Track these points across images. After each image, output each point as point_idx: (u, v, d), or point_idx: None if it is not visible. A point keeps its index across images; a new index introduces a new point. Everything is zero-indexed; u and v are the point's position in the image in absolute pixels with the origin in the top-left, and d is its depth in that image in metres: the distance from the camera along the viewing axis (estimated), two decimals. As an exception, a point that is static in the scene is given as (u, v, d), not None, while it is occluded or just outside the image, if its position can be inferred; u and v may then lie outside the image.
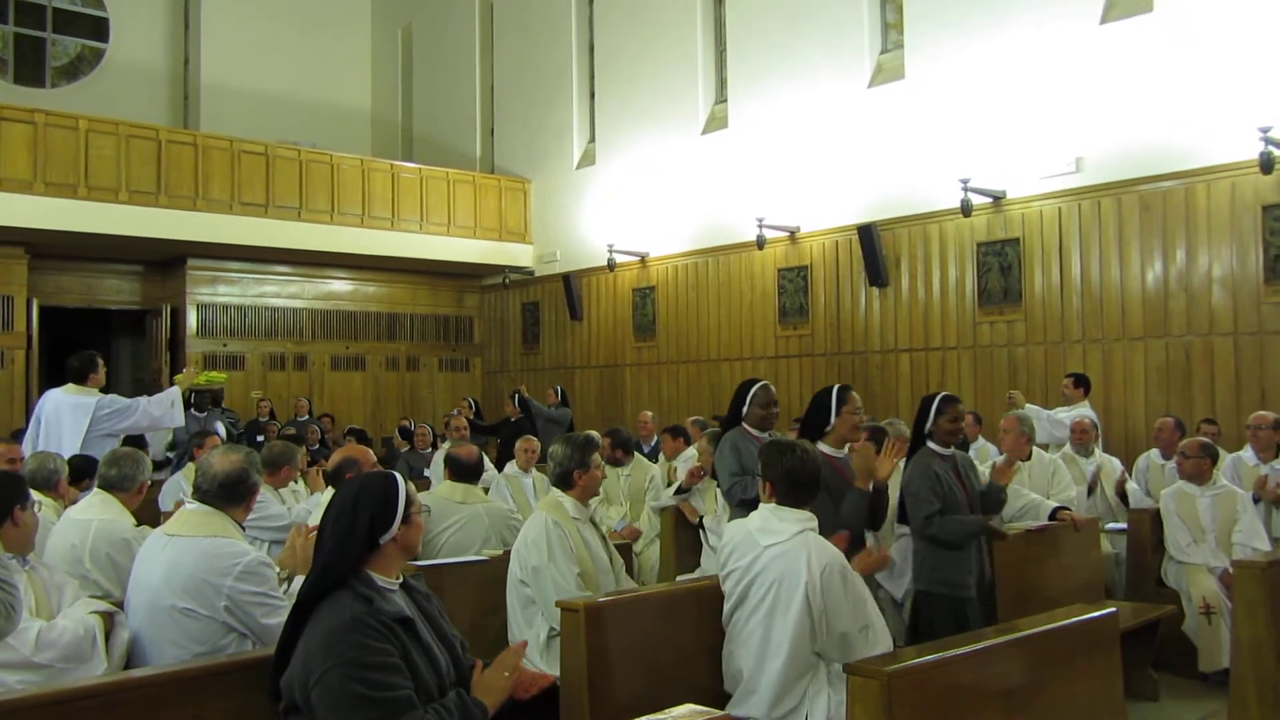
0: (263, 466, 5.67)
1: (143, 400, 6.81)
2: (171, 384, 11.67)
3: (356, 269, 14.92)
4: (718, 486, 5.22)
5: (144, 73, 16.24)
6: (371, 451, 5.43)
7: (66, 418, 6.40)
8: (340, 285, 15.04)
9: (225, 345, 13.92)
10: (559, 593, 3.95)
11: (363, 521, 2.61)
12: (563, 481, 4.34)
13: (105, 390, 6.94)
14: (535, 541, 4.14)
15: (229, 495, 3.43)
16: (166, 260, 13.83)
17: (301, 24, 17.10)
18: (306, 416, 12.24)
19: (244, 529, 3.56)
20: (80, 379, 6.64)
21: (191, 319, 13.71)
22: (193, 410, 10.97)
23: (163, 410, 6.83)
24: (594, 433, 5.66)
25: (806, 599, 3.37)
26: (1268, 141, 7.88)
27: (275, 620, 3.25)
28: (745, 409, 5.09)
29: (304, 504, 6.10)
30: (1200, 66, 8.42)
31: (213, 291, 13.95)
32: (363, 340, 15.17)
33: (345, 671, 2.39)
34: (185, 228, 12.45)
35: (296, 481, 6.75)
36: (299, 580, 3.46)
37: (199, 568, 3.24)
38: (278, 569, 3.49)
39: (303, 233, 13.35)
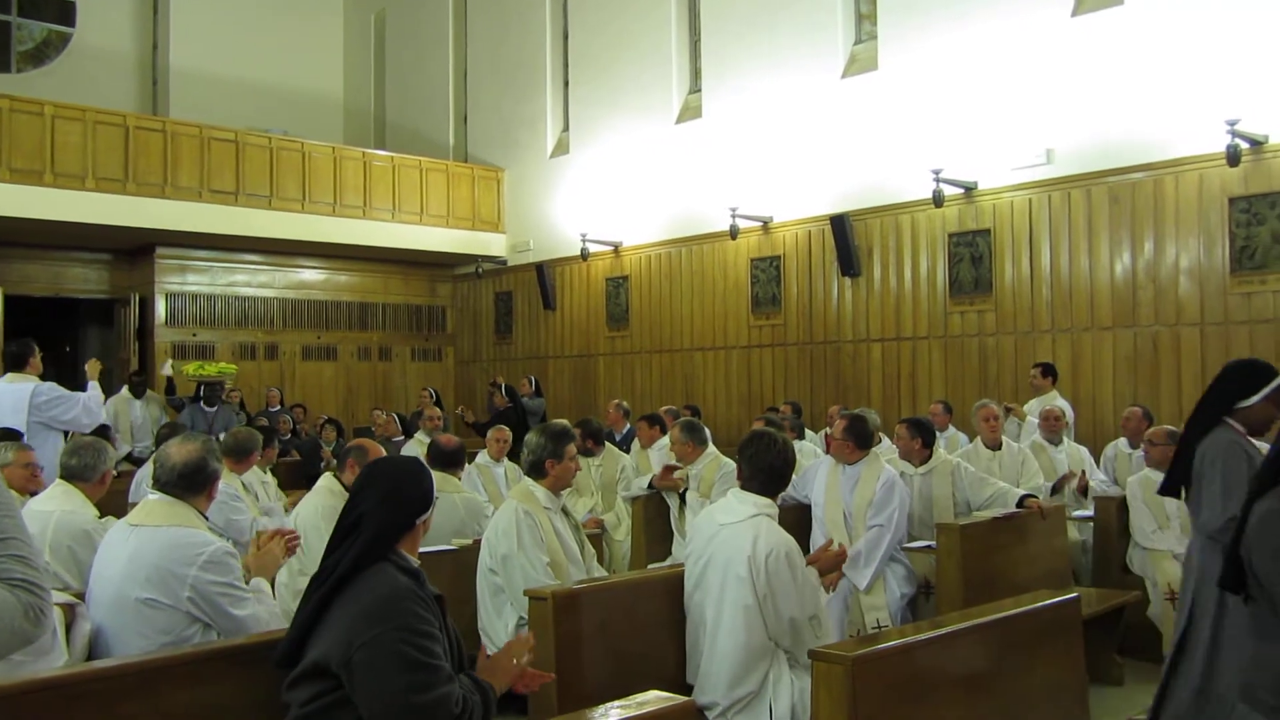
0: (227, 454, 5.69)
1: (83, 396, 6.71)
2: (134, 374, 11.66)
3: (328, 258, 14.80)
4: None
5: (111, 58, 16.00)
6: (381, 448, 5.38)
7: (7, 406, 6.30)
8: (311, 274, 14.93)
9: (195, 335, 13.79)
10: (528, 581, 3.95)
11: (410, 502, 2.73)
12: (535, 470, 4.33)
13: (72, 384, 6.86)
14: (505, 530, 4.13)
15: (189, 484, 3.39)
16: (135, 249, 13.67)
17: (273, 9, 16.90)
18: (278, 407, 12.15)
19: (207, 518, 3.53)
20: (19, 366, 6.54)
21: (160, 308, 13.57)
22: (201, 404, 10.89)
23: (99, 407, 6.76)
24: (567, 423, 5.66)
25: (751, 578, 3.42)
26: (1235, 135, 7.97)
27: (241, 611, 3.23)
28: (1250, 400, 3.60)
29: (275, 508, 6.09)
30: (1169, 60, 8.50)
31: (182, 280, 13.80)
32: (334, 330, 15.07)
33: (400, 636, 2.47)
34: (154, 215, 12.29)
35: (265, 472, 6.73)
36: (255, 581, 3.43)
37: (163, 558, 3.21)
38: (243, 569, 3.46)
39: (273, 221, 13.23)
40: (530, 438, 4.41)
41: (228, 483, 5.41)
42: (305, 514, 4.66)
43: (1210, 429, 3.50)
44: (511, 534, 4.10)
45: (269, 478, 6.78)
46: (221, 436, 7.26)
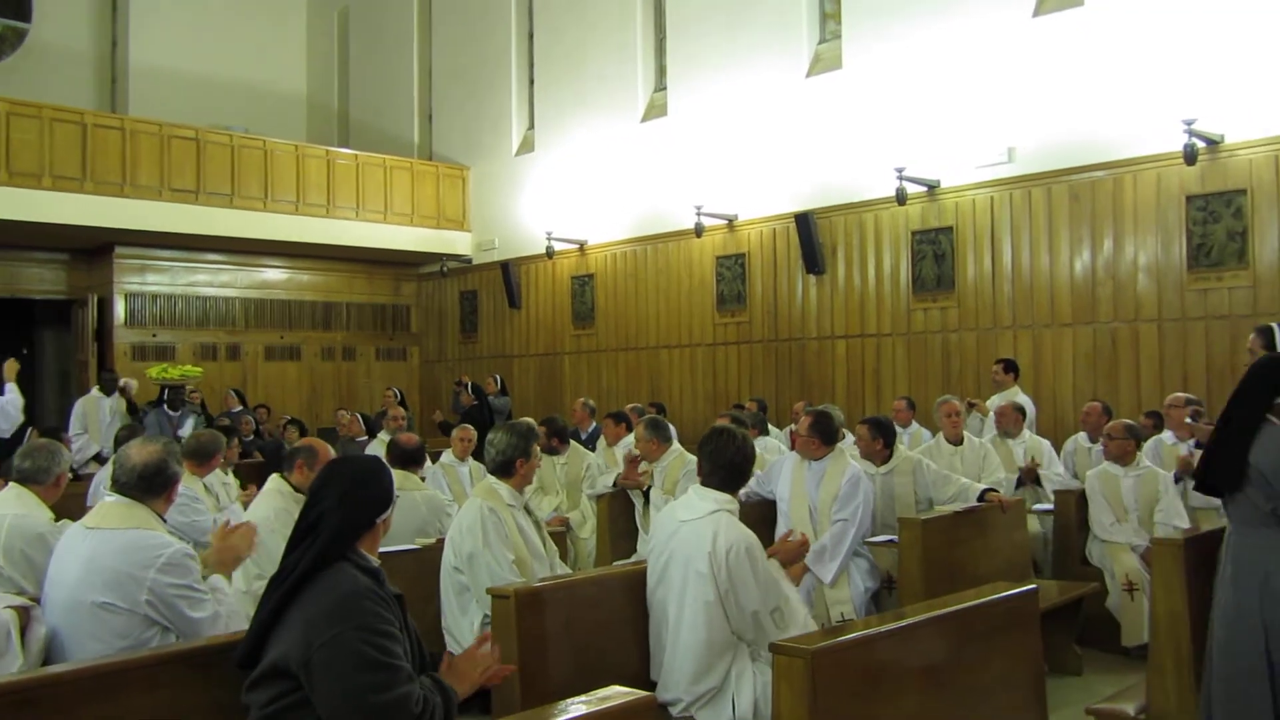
0: (189, 456, 5.62)
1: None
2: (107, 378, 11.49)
3: (291, 257, 14.68)
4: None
5: (69, 54, 15.74)
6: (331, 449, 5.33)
7: None
8: (274, 274, 14.79)
9: (155, 335, 13.62)
10: (493, 579, 3.94)
11: (369, 501, 2.71)
12: (503, 469, 4.32)
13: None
14: (471, 528, 4.11)
15: (148, 487, 3.35)
16: (93, 248, 13.48)
17: (235, 5, 16.73)
18: (239, 408, 12.02)
19: (165, 521, 3.49)
20: None
21: (119, 309, 13.39)
22: (165, 407, 10.73)
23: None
24: (533, 421, 5.64)
25: (712, 574, 3.44)
26: (1192, 134, 8.09)
27: (199, 613, 3.20)
28: None
29: (233, 508, 6.02)
30: (1128, 60, 8.62)
31: (141, 280, 13.63)
32: (298, 330, 14.95)
33: (360, 635, 2.45)
34: (112, 215, 12.14)
35: (226, 473, 6.67)
36: (213, 579, 3.40)
37: (120, 561, 3.16)
38: (201, 567, 3.42)
39: (235, 220, 13.10)
40: (498, 436, 4.38)
41: (189, 485, 5.35)
42: (258, 516, 4.59)
43: (1256, 429, 3.51)
44: (477, 532, 4.08)
45: (230, 479, 6.72)
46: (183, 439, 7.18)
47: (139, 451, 3.38)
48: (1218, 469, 3.63)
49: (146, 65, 15.81)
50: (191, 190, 12.77)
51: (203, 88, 15.93)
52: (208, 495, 5.97)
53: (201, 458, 5.94)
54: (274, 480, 4.97)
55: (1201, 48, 8.21)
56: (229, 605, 3.40)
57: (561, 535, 6.60)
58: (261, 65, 17.04)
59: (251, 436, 10.81)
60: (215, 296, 14.23)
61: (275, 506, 4.75)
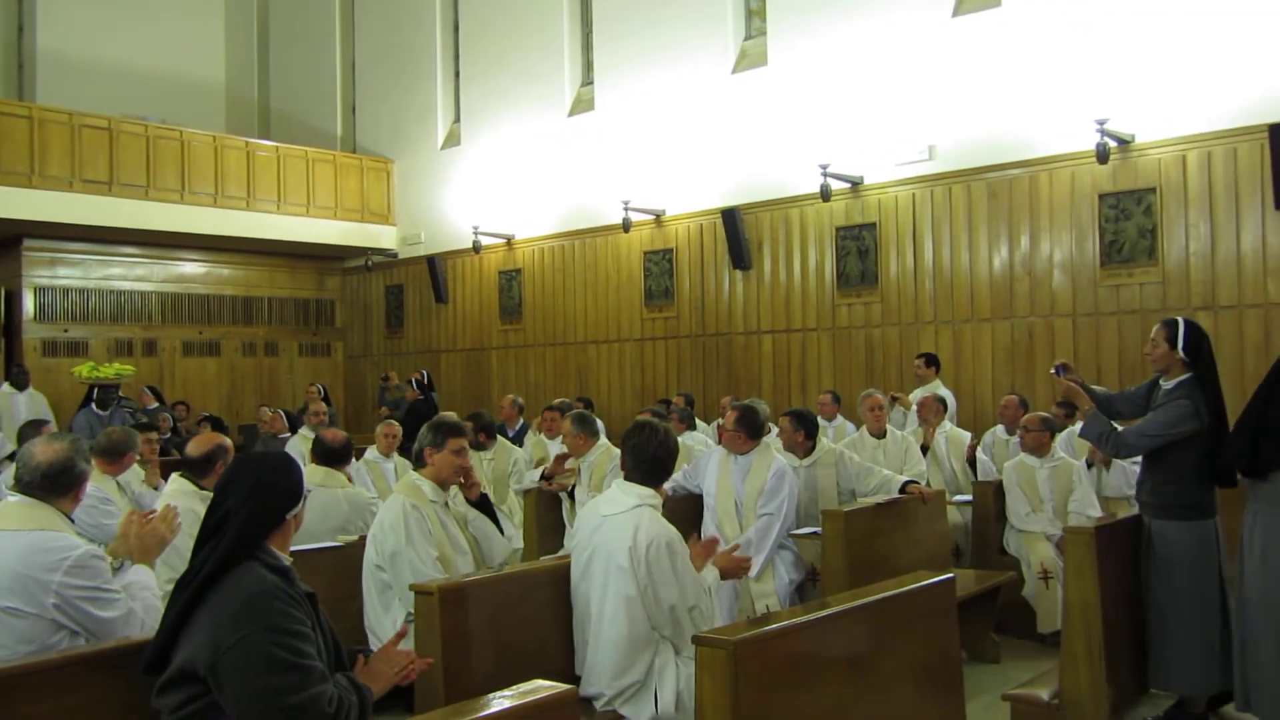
0: (100, 454, 5.45)
1: None
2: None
3: (210, 250, 14.32)
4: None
5: (-28, 40, 15.20)
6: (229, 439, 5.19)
7: None
8: (192, 267, 14.43)
9: (66, 331, 13.20)
10: (416, 576, 3.88)
11: (277, 496, 2.65)
12: (417, 461, 4.29)
13: None
14: (393, 525, 4.06)
15: (53, 486, 3.23)
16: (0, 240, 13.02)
17: (149, -9, 16.26)
18: (155, 405, 11.71)
19: (73, 521, 3.37)
20: None
21: (28, 303, 12.93)
22: (94, 406, 10.39)
23: None
24: (454, 415, 5.60)
25: (632, 568, 3.45)
26: (1104, 134, 8.32)
27: (110, 614, 3.10)
28: None
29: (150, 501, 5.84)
30: (1043, 61, 8.83)
31: (52, 274, 13.19)
32: (217, 325, 14.60)
33: (268, 636, 2.39)
34: (20, 206, 11.73)
35: (143, 470, 6.49)
36: (132, 569, 3.31)
37: (24, 564, 3.05)
38: (110, 559, 3.32)
39: (151, 212, 12.74)
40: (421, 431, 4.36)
41: (99, 485, 5.18)
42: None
43: None
44: (399, 529, 4.03)
45: (143, 473, 6.53)
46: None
47: (44, 449, 3.26)
48: (1267, 450, 3.80)
49: (55, 52, 15.27)
50: (104, 181, 12.40)
51: (116, 76, 15.44)
52: (121, 496, 5.79)
53: (112, 455, 5.75)
54: (176, 480, 4.82)
55: (1113, 50, 8.45)
56: (149, 600, 3.29)
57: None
58: (178, 54, 16.57)
59: (169, 434, 10.53)
60: (130, 291, 13.83)
61: (181, 507, 4.61)
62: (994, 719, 4.45)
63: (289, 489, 2.69)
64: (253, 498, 2.60)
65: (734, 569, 3.96)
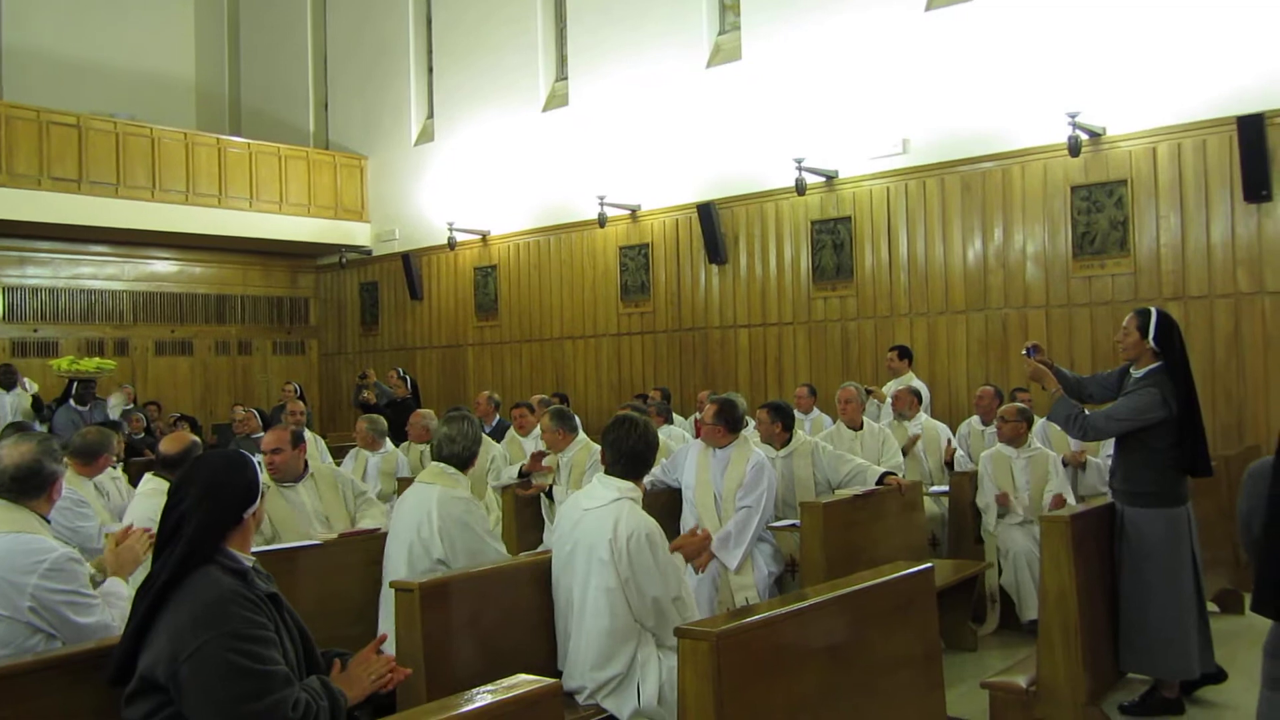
0: (75, 455, 5.38)
1: None
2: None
3: (181, 248, 14.21)
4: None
5: (-64, 36, 14.98)
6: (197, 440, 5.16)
7: None
8: (164, 266, 14.30)
9: (36, 330, 13.05)
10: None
11: (233, 495, 2.59)
12: (466, 463, 4.28)
13: None
14: (462, 521, 4.03)
15: (23, 488, 3.20)
16: (-34, 239, 12.86)
17: (117, -14, 16.09)
18: (130, 405, 11.60)
19: (49, 521, 3.34)
20: None
21: (-3, 302, 12.81)
22: (73, 402, 10.26)
23: None
24: (431, 412, 5.57)
25: (613, 560, 3.46)
26: (1075, 126, 8.40)
27: (86, 620, 3.08)
28: None
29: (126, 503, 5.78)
30: (1016, 54, 8.90)
31: (20, 273, 13.04)
32: (190, 324, 14.49)
33: (226, 643, 2.34)
34: (-13, 204, 11.60)
35: (115, 467, 6.41)
36: (108, 580, 3.28)
37: (0, 566, 3.02)
38: (91, 570, 3.29)
39: (121, 210, 12.62)
40: (460, 429, 4.28)
41: (74, 487, 5.12)
42: (137, 519, 4.41)
43: None
44: (471, 524, 4.05)
45: (119, 474, 6.46)
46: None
47: (10, 452, 3.22)
48: None
49: (22, 47, 15.07)
50: (74, 179, 12.26)
51: (85, 72, 15.28)
52: (99, 497, 5.73)
53: (88, 457, 5.68)
54: (149, 480, 4.78)
55: (1084, 44, 8.53)
56: (119, 609, 3.28)
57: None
58: (147, 49, 16.40)
59: (141, 434, 10.45)
60: (101, 290, 13.70)
61: (156, 506, 4.56)
62: (973, 707, 4.48)
63: (244, 487, 2.62)
64: (208, 499, 2.55)
65: (694, 550, 3.99)
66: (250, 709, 2.33)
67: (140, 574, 3.89)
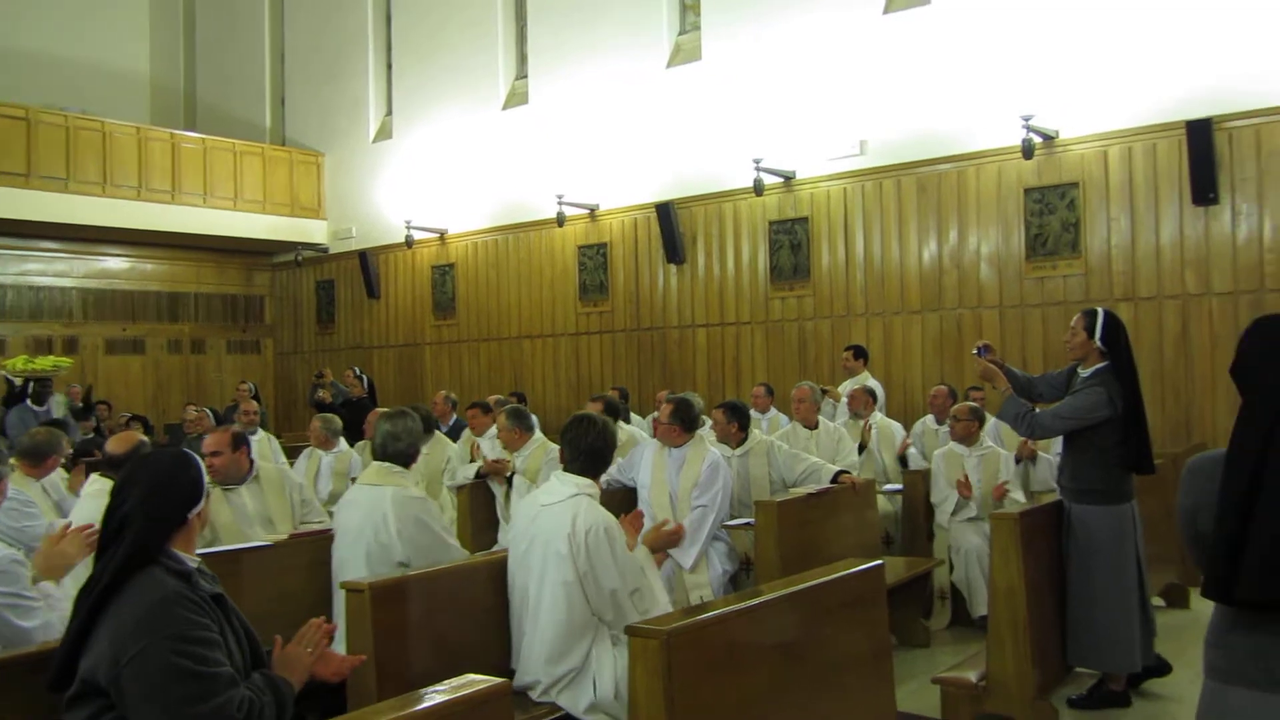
0: (23, 457, 5.29)
1: None
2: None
3: (133, 245, 13.98)
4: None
5: (-121, 26, 14.61)
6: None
7: None
8: (115, 263, 14.07)
9: (-18, 328, 12.79)
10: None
11: (177, 495, 2.56)
12: (409, 459, 4.21)
13: None
14: (420, 521, 3.99)
15: (-33, 491, 3.14)
16: (-91, 234, 12.57)
17: (67, -22, 15.79)
18: (79, 405, 11.40)
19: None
20: None
21: (-59, 299, 12.53)
22: (29, 402, 10.04)
23: None
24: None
25: (571, 554, 3.47)
26: (1029, 129, 8.51)
27: (28, 623, 3.02)
28: None
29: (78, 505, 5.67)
30: (971, 58, 9.01)
31: (-35, 269, 12.78)
32: (142, 321, 14.26)
33: (168, 646, 2.30)
34: (-70, 198, 11.35)
35: (67, 473, 6.30)
36: (42, 585, 3.21)
37: (-60, 569, 2.96)
38: (34, 571, 3.23)
39: (70, 205, 12.40)
40: (404, 425, 4.24)
41: (21, 488, 5.02)
42: (83, 520, 4.32)
43: None
44: (430, 524, 4.02)
45: (64, 474, 6.34)
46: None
47: (-43, 454, 3.17)
48: None
49: (-31, 39, 14.78)
50: (21, 173, 12.03)
51: (34, 63, 14.97)
52: (47, 499, 5.62)
53: (36, 458, 5.57)
54: (95, 481, 4.70)
55: (1039, 48, 8.65)
56: (61, 611, 3.22)
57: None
58: (100, 41, 16.13)
59: (92, 434, 10.26)
60: (50, 287, 13.44)
61: (101, 507, 4.48)
62: (924, 702, 4.53)
63: (187, 487, 2.59)
64: (150, 500, 2.51)
65: (663, 543, 4.01)
66: (194, 711, 2.30)
67: (82, 574, 3.84)
